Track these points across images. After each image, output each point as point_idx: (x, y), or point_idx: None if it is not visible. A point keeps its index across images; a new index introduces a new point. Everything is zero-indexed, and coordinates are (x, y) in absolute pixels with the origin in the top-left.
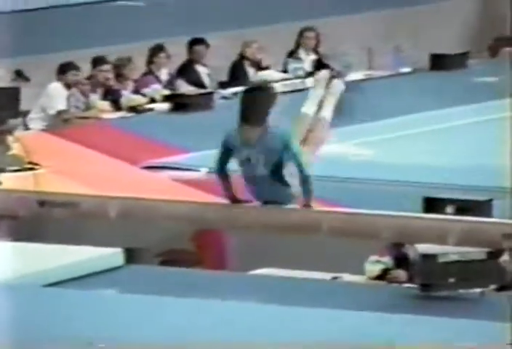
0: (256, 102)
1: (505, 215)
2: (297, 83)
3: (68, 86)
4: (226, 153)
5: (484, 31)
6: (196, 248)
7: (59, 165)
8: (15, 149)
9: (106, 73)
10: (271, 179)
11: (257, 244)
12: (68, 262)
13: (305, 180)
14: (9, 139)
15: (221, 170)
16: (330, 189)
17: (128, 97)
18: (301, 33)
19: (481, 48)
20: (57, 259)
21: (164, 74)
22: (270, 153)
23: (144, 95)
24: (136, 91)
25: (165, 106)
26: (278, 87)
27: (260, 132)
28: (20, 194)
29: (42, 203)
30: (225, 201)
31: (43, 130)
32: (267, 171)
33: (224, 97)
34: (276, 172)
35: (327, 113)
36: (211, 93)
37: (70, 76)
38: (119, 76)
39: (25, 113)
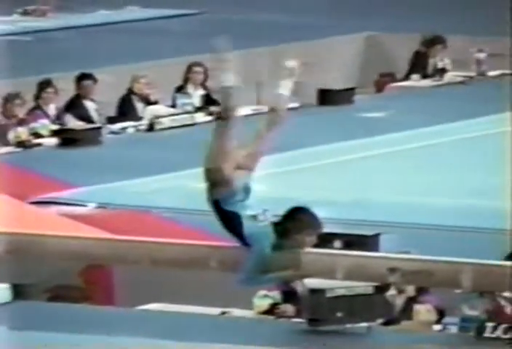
0: None
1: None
2: (185, 118)
3: None
4: None
5: (370, 67)
6: (83, 283)
7: None
8: None
9: None
10: None
11: (146, 279)
12: None
13: None
14: None
15: None
16: (216, 223)
17: (15, 132)
18: (189, 68)
19: (367, 84)
20: None
21: (51, 109)
22: None
23: (31, 130)
24: (23, 126)
25: (53, 141)
26: (166, 122)
27: None
28: None
29: None
30: (112, 236)
31: None
32: None
33: (112, 132)
34: None
35: (285, 91)
36: (99, 128)
37: None
38: (7, 111)
39: None
